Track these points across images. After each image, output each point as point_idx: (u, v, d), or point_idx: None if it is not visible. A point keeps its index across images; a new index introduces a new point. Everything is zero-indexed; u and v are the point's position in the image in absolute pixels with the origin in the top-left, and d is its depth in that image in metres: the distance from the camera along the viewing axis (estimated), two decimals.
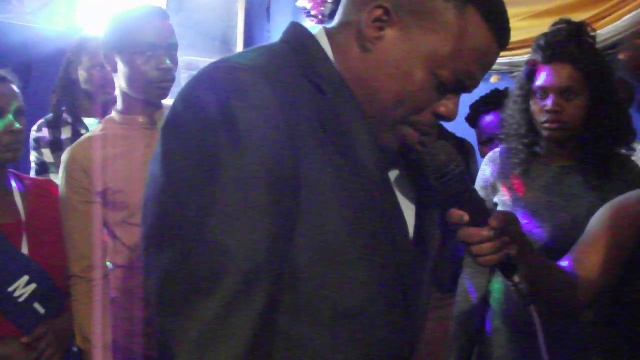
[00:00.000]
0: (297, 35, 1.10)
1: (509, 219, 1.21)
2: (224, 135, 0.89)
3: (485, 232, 1.15)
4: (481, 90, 3.15)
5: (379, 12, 1.03)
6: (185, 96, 0.96)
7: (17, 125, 2.09)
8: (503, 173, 2.26)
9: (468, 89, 1.08)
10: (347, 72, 1.06)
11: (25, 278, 2.08)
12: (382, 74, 1.04)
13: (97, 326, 2.09)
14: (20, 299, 2.08)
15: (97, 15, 4.78)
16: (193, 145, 0.90)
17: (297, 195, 0.93)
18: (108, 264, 2.19)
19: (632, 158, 2.78)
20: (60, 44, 3.68)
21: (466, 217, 1.14)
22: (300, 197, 0.93)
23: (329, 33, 1.11)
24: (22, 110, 2.17)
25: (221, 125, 0.89)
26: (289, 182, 0.92)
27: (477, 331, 2.34)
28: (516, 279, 1.19)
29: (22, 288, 2.08)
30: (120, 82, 2.13)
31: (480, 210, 1.16)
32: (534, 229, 2.10)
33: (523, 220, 2.12)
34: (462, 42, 1.02)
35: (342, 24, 1.10)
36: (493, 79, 4.24)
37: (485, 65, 1.07)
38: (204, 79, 0.96)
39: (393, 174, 1.16)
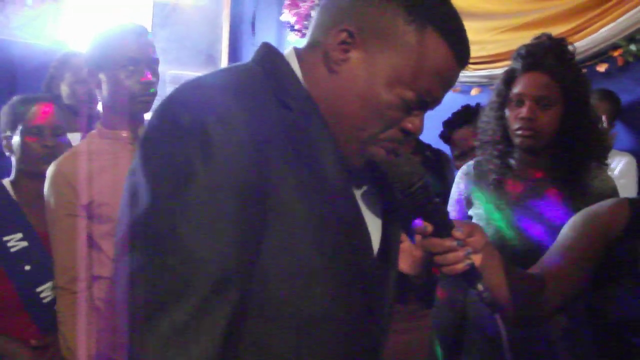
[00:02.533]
0: (267, 55, 1.14)
1: (472, 230, 1.25)
2: (196, 150, 0.93)
3: (448, 242, 1.19)
4: (463, 103, 3.20)
5: (344, 35, 1.07)
6: (161, 113, 1.00)
7: (51, 140, 2.38)
8: (477, 186, 2.29)
9: (430, 106, 1.13)
10: (316, 92, 1.10)
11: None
12: (349, 95, 1.08)
13: (81, 337, 2.11)
14: (45, 300, 2.25)
15: (82, 31, 4.81)
16: (167, 158, 0.95)
17: (265, 206, 0.97)
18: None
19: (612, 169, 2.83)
20: (45, 59, 3.70)
21: (430, 229, 1.19)
22: (268, 208, 0.98)
23: (298, 54, 1.15)
24: (60, 129, 2.43)
25: (194, 140, 0.94)
26: (257, 194, 0.96)
27: (456, 342, 2.36)
28: (480, 287, 1.22)
29: (48, 290, 2.26)
30: (103, 97, 2.17)
31: (444, 222, 1.20)
32: (509, 240, 2.13)
33: (498, 232, 2.15)
34: (423, 62, 1.06)
35: (311, 46, 1.14)
36: (474, 92, 4.29)
37: (446, 83, 1.11)
38: (178, 97, 1.01)
39: (362, 189, 1.20)
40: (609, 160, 3.37)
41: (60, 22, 4.95)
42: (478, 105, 3.05)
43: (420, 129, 1.12)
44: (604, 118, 3.42)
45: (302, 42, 1.17)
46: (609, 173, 3.18)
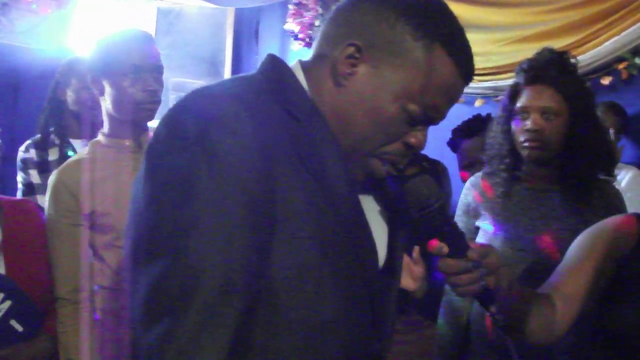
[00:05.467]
0: (273, 67, 1.15)
1: (487, 251, 1.24)
2: (202, 159, 0.94)
3: (463, 263, 1.18)
4: (466, 114, 3.18)
5: (351, 49, 1.08)
6: (168, 122, 1.01)
7: None
8: (485, 197, 2.29)
9: (435, 121, 1.14)
10: (322, 104, 1.11)
11: (0, 295, 2.09)
12: (355, 108, 1.09)
13: (84, 349, 2.09)
14: None
15: (87, 37, 4.80)
16: (173, 168, 0.96)
17: (272, 215, 0.98)
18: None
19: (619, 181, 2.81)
20: (50, 65, 3.70)
21: (445, 249, 1.18)
22: (275, 217, 0.99)
23: (304, 66, 1.16)
24: None
25: (200, 150, 0.95)
26: (264, 203, 0.97)
27: (459, 354, 2.35)
28: (493, 309, 1.22)
29: None
30: (107, 104, 2.15)
31: (460, 243, 1.19)
32: (516, 252, 2.12)
33: (505, 244, 2.15)
34: (430, 78, 1.08)
35: (317, 58, 1.15)
36: (478, 103, 4.28)
37: (451, 99, 1.13)
38: (185, 106, 1.02)
39: (369, 199, 1.21)
40: (616, 173, 3.38)
41: (65, 28, 4.95)
42: (489, 115, 3.04)
43: (423, 144, 1.14)
44: (611, 131, 3.41)
45: (305, 51, 1.17)
46: (616, 186, 3.18)
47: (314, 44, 1.18)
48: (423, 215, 1.15)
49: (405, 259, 1.38)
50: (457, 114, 3.13)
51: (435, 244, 1.18)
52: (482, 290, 1.21)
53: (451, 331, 2.35)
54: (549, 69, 2.14)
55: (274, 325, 1.01)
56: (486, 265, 1.22)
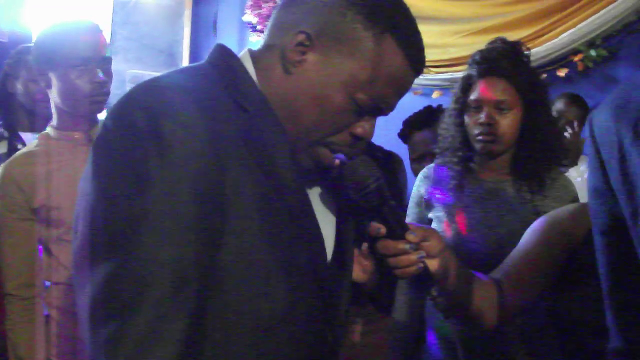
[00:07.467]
0: (222, 57, 1.14)
1: (427, 234, 1.24)
2: (152, 151, 0.93)
3: (401, 245, 1.18)
4: (423, 105, 3.18)
5: (301, 37, 1.09)
6: (116, 115, 0.99)
7: None
8: (438, 189, 2.29)
9: (384, 112, 1.15)
10: (270, 93, 1.11)
11: None
12: (303, 96, 1.10)
13: (33, 345, 2.05)
14: None
15: (39, 27, 4.71)
16: (123, 161, 0.94)
17: (222, 208, 0.97)
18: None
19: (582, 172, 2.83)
20: (2, 55, 3.61)
21: (383, 230, 1.18)
22: (225, 210, 0.98)
23: (253, 55, 1.16)
24: None
25: (150, 142, 0.93)
26: (215, 195, 0.96)
27: (414, 345, 2.35)
28: (433, 292, 1.21)
29: None
30: (54, 97, 2.10)
31: (398, 224, 1.19)
32: (470, 244, 2.13)
33: (459, 235, 2.15)
34: (379, 68, 1.08)
35: (267, 47, 1.15)
36: (435, 95, 4.30)
37: (400, 90, 1.14)
38: (133, 99, 1.00)
39: (316, 190, 1.21)
40: (578, 164, 3.42)
41: (18, 15, 4.85)
42: (440, 107, 3.04)
43: (370, 134, 1.15)
44: (575, 123, 3.43)
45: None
46: (579, 178, 3.21)
47: (265, 33, 1.18)
48: (361, 196, 1.15)
49: (355, 251, 1.37)
50: (414, 106, 3.13)
51: (373, 225, 1.18)
52: (421, 272, 1.20)
53: (407, 323, 2.35)
54: (501, 61, 2.14)
55: (226, 318, 1.00)
56: (426, 247, 1.21)
